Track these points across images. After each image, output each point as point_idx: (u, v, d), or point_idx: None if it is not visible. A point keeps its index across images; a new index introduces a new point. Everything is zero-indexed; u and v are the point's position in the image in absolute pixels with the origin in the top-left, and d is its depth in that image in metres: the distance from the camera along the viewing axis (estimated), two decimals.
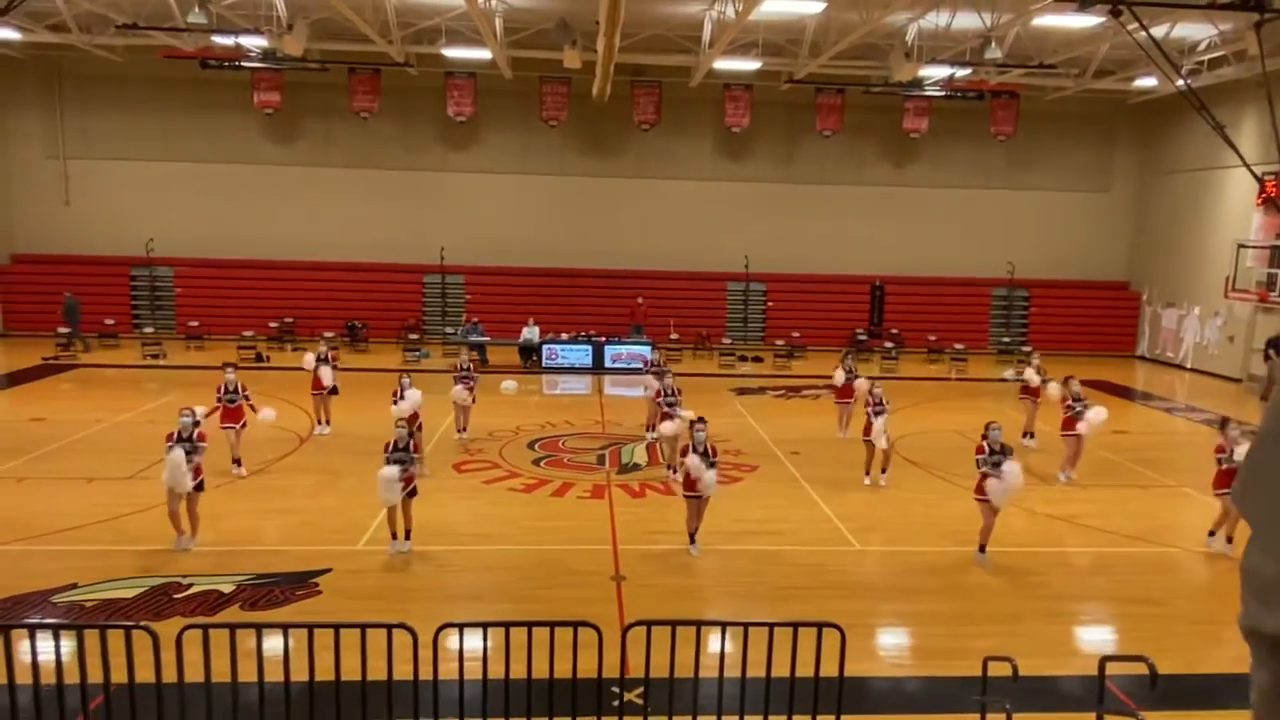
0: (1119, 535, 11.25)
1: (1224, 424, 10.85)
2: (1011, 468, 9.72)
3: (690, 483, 9.98)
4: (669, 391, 13.46)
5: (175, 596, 8.57)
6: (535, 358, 23.10)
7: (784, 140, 27.08)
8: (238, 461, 12.71)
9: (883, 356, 24.82)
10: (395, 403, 13.11)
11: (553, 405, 19.36)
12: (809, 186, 27.29)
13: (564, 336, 23.62)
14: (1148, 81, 23.06)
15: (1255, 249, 20.90)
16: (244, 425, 12.82)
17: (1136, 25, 17.08)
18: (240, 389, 12.79)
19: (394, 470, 9.56)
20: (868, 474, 13.09)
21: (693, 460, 9.82)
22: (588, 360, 23.00)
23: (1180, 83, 19.52)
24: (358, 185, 26.32)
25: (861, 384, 15.50)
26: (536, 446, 14.96)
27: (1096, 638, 8.56)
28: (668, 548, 10.22)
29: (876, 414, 12.89)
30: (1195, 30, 20.13)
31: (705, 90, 24.82)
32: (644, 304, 25.14)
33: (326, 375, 15.07)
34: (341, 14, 17.14)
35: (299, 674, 5.35)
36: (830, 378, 16.23)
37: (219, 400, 12.67)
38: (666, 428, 12.94)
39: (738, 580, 9.52)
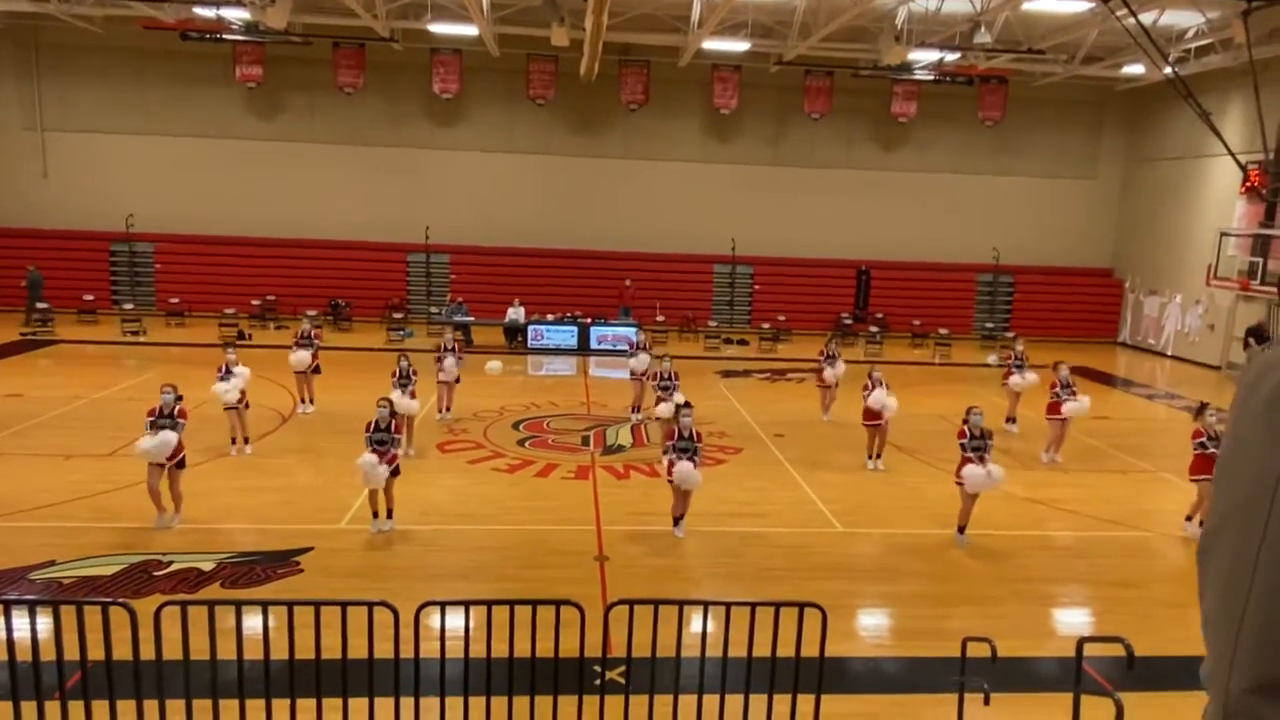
0: (1098, 519, 11.36)
1: (1201, 410, 10.95)
2: (998, 471, 9.93)
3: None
4: (665, 376, 13.36)
5: (155, 574, 8.51)
6: (520, 338, 23.02)
7: (772, 122, 26.97)
8: (245, 440, 12.64)
9: (868, 340, 24.89)
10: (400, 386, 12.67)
11: (538, 386, 19.31)
12: (797, 169, 27.23)
13: (549, 317, 23.53)
14: (1135, 69, 23.10)
15: (1238, 237, 21.04)
16: (246, 405, 12.73)
17: (1125, 11, 17.08)
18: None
19: (373, 458, 9.55)
20: (870, 458, 13.10)
21: (683, 467, 9.82)
22: (573, 341, 22.94)
23: (1167, 70, 19.60)
24: (342, 161, 26.04)
25: (828, 374, 15.64)
26: (521, 427, 14.92)
27: (1074, 619, 8.66)
28: (651, 529, 10.23)
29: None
30: (1183, 18, 20.16)
31: (694, 71, 24.66)
32: (631, 286, 25.05)
33: (306, 357, 14.87)
34: None
35: (279, 652, 5.32)
36: (815, 360, 16.26)
37: (220, 379, 12.52)
38: (663, 409, 12.89)
39: (721, 561, 9.56)
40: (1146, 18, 18.55)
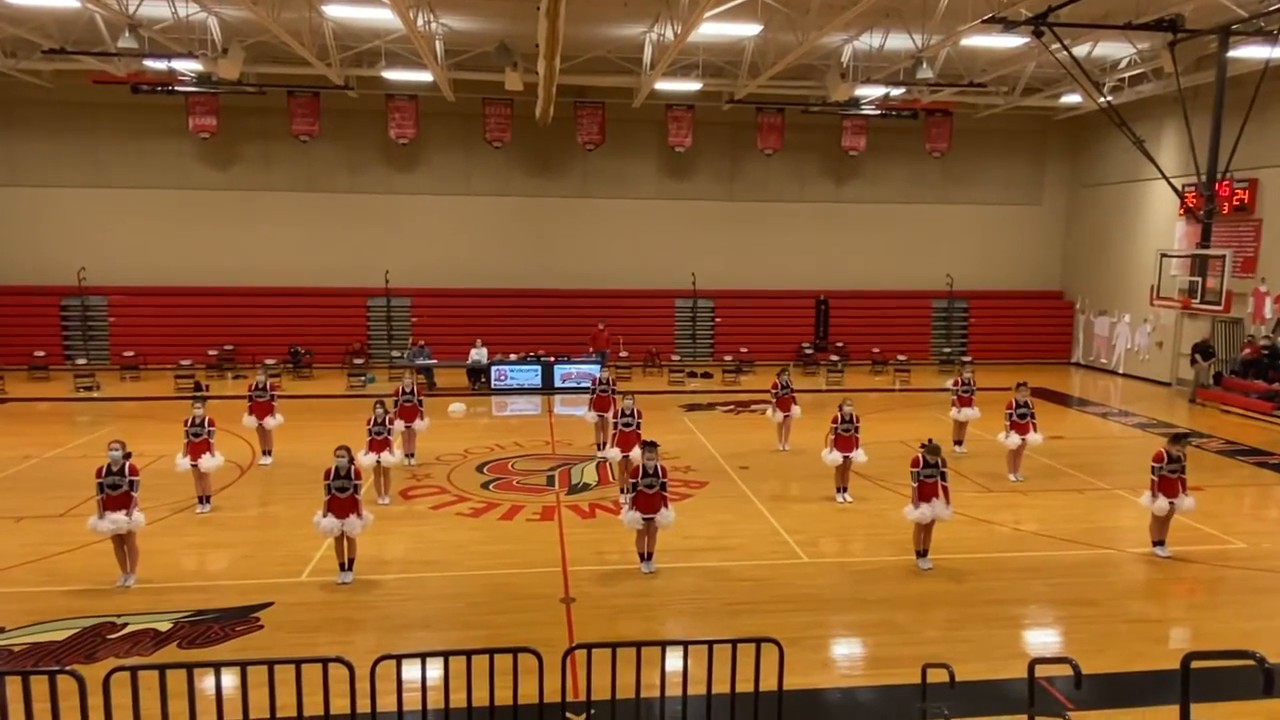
0: (1057, 538, 11.55)
1: (1178, 439, 11.02)
2: (943, 509, 10.28)
3: (640, 506, 9.96)
4: (627, 412, 13.25)
5: (109, 637, 8.30)
6: (484, 379, 22.95)
7: (727, 159, 27.45)
8: (205, 499, 12.34)
9: (829, 369, 25.18)
10: (377, 436, 12.46)
11: (502, 427, 19.23)
12: (752, 204, 27.68)
13: (512, 357, 23.51)
14: (1073, 98, 23.93)
15: (1178, 258, 21.72)
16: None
17: (1059, 45, 17.77)
18: (207, 423, 12.35)
19: (325, 522, 9.55)
20: (839, 491, 13.09)
21: (663, 516, 9.96)
22: (537, 381, 22.92)
23: (1102, 99, 20.35)
24: (299, 209, 25.95)
25: (769, 413, 15.81)
26: (485, 469, 14.83)
27: (1036, 640, 8.76)
28: (618, 568, 10.21)
29: (845, 432, 12.89)
30: (1116, 49, 20.98)
31: (648, 110, 25.06)
32: (605, 329, 25.02)
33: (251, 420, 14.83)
34: (278, 37, 16.96)
35: (234, 713, 5.22)
36: (770, 392, 16.45)
37: (186, 435, 12.27)
38: (636, 454, 12.83)
39: (688, 598, 9.54)
40: (1080, 50, 19.30)
